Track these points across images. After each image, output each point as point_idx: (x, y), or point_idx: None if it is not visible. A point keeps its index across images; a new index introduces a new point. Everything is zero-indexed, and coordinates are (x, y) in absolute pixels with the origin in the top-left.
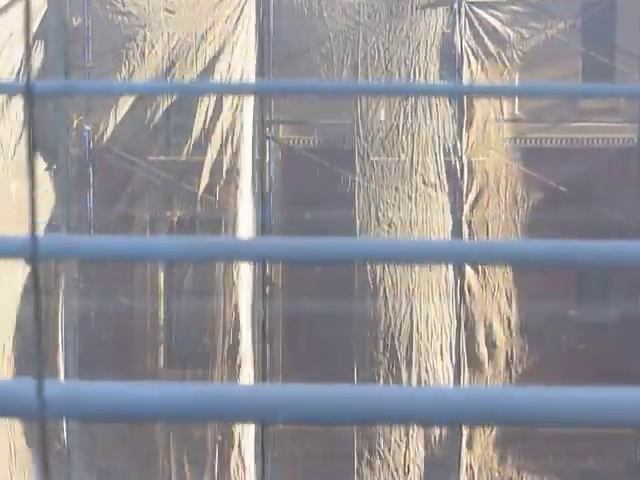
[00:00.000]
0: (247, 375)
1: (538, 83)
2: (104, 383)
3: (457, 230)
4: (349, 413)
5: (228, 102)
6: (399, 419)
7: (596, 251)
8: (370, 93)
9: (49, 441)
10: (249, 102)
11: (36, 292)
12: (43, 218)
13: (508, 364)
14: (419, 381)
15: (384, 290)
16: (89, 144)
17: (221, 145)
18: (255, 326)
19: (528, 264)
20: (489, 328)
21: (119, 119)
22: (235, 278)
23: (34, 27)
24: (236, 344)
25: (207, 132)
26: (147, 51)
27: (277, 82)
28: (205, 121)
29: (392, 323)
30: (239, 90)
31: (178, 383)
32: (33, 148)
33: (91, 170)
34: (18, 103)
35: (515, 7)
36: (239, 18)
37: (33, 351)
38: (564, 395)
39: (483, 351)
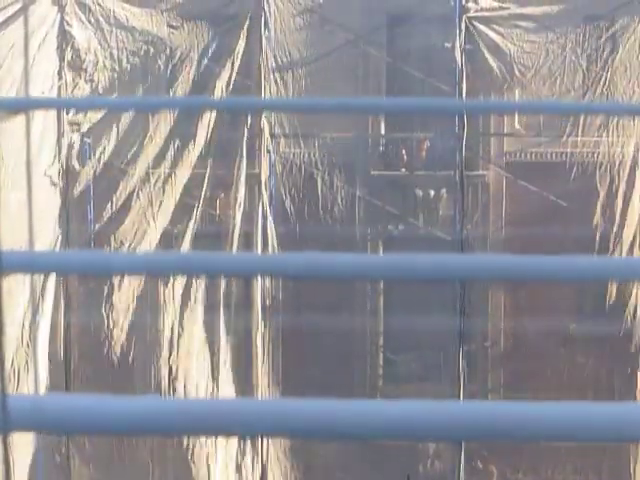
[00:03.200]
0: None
1: (536, 100)
2: (71, 396)
3: (457, 243)
4: (347, 428)
5: (229, 116)
6: (399, 434)
7: (597, 266)
8: (369, 111)
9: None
10: (249, 115)
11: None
12: (46, 232)
13: (507, 377)
14: (419, 391)
15: (384, 301)
16: (89, 157)
17: (221, 158)
18: (256, 340)
19: (531, 279)
20: (489, 341)
21: (120, 132)
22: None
23: (38, 39)
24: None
25: (208, 146)
26: (149, 66)
27: (277, 100)
28: (206, 135)
29: (392, 335)
30: (240, 107)
31: (141, 396)
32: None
33: (91, 183)
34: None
35: (515, 22)
36: (240, 33)
37: None
38: (564, 410)
39: (483, 364)
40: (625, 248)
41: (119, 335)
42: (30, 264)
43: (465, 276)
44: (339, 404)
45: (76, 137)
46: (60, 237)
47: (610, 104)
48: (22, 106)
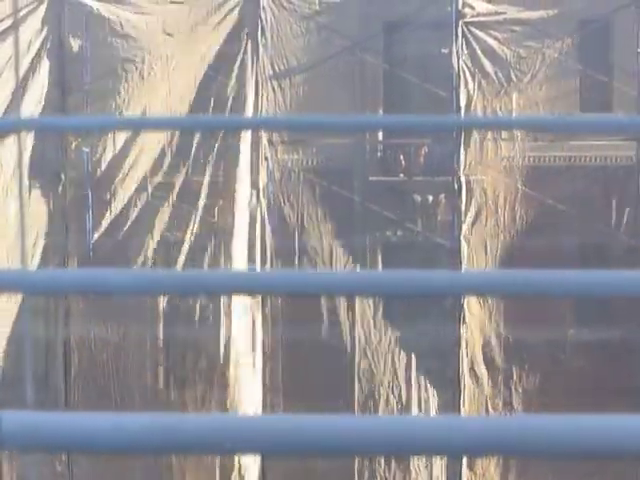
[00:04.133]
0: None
1: (531, 115)
2: (64, 414)
3: (456, 248)
4: (348, 444)
5: None
6: (397, 450)
7: (596, 280)
8: (368, 128)
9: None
10: None
11: None
12: (45, 240)
13: (507, 383)
14: (419, 401)
15: (383, 310)
16: (87, 166)
17: (219, 166)
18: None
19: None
20: (488, 347)
21: (118, 141)
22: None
23: (34, 49)
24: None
25: (205, 153)
26: (146, 73)
27: (274, 118)
28: (203, 142)
29: (392, 343)
30: (237, 126)
31: (135, 413)
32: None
33: (89, 192)
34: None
35: (512, 27)
36: (237, 40)
37: None
38: (567, 423)
39: (482, 370)
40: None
41: (111, 348)
42: (24, 283)
43: (462, 292)
44: (340, 420)
45: (74, 146)
46: (59, 246)
47: (610, 117)
48: (20, 127)
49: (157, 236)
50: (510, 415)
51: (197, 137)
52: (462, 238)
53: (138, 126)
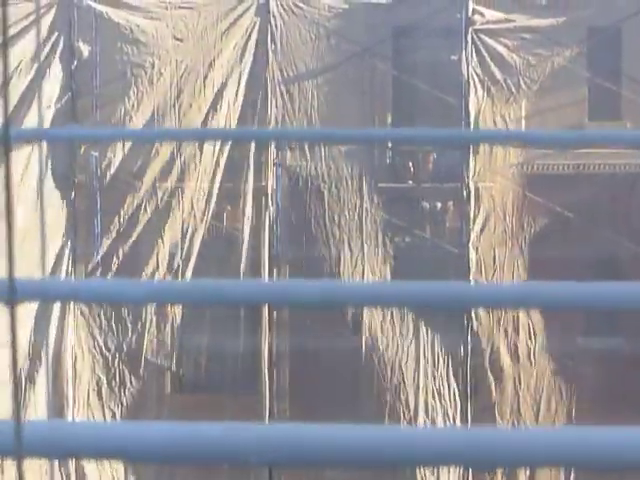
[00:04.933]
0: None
1: (545, 130)
2: (82, 422)
3: (464, 255)
4: (355, 455)
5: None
6: (405, 461)
7: (606, 292)
8: (377, 141)
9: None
10: (255, 129)
11: (13, 335)
12: (54, 245)
13: (515, 390)
14: (426, 407)
15: (391, 317)
16: (96, 170)
17: (228, 172)
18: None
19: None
20: (496, 354)
21: (127, 146)
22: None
23: (44, 53)
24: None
25: (216, 159)
26: (155, 78)
27: (286, 130)
28: (212, 149)
29: (399, 350)
30: (244, 137)
31: (153, 422)
32: (10, 194)
33: (98, 196)
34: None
35: (521, 34)
36: (246, 46)
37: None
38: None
39: (490, 377)
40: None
41: (120, 356)
42: (44, 292)
43: (470, 305)
44: (349, 429)
45: (84, 151)
46: (68, 251)
47: (618, 132)
48: (38, 137)
49: (166, 241)
50: (519, 426)
51: (206, 142)
52: (470, 245)
53: (148, 138)
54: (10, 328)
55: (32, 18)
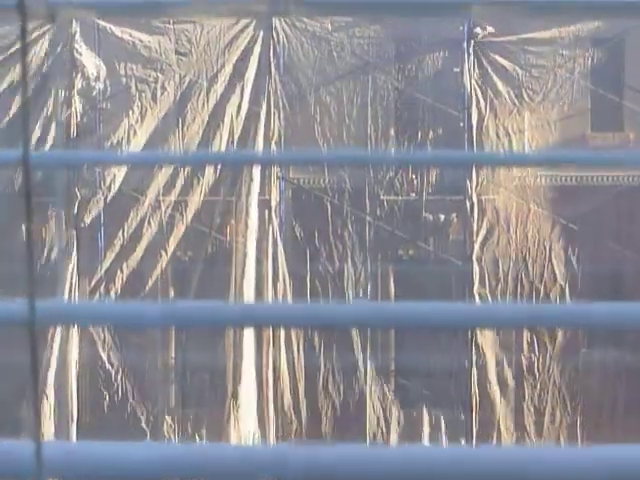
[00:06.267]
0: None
1: (547, 152)
2: (102, 444)
3: (467, 267)
4: (371, 474)
5: (239, 143)
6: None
7: (607, 313)
8: (380, 163)
9: None
10: (259, 142)
11: (33, 359)
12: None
13: (519, 403)
14: (431, 419)
15: (394, 330)
16: (99, 184)
17: (232, 185)
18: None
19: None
20: (500, 367)
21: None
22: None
23: (45, 69)
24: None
25: (218, 172)
26: (159, 93)
27: (288, 154)
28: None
29: (403, 363)
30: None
31: (178, 443)
32: (30, 220)
33: (102, 210)
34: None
35: (524, 46)
36: (249, 60)
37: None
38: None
39: (494, 390)
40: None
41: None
42: (67, 314)
43: (475, 325)
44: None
45: (87, 165)
46: (71, 265)
47: (625, 155)
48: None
49: (170, 255)
50: (523, 442)
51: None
52: (474, 257)
53: (149, 161)
54: (31, 351)
55: (36, 34)
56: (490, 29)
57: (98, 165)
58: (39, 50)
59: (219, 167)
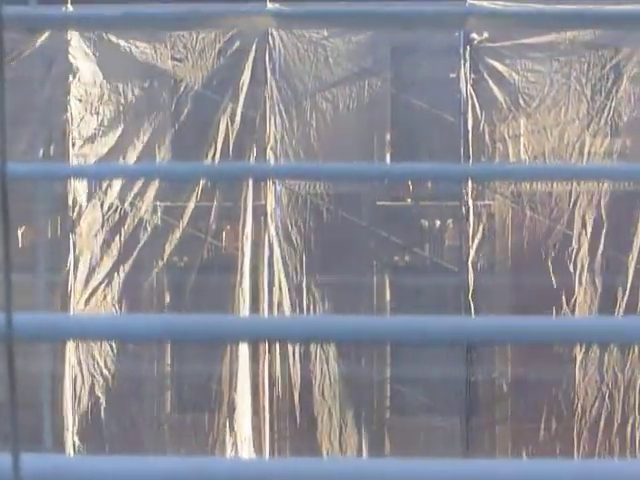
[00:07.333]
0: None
1: (543, 165)
2: (82, 458)
3: (463, 273)
4: None
5: (235, 150)
6: None
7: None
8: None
9: None
10: (254, 147)
11: (10, 373)
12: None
13: (516, 410)
14: (426, 429)
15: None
16: (95, 191)
17: (227, 190)
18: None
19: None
20: (498, 373)
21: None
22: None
23: (40, 74)
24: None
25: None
26: (155, 99)
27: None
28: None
29: (398, 366)
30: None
31: (158, 457)
32: (6, 230)
33: (98, 217)
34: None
35: (520, 51)
36: (244, 65)
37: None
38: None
39: (491, 397)
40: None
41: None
42: (46, 328)
43: (475, 339)
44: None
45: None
46: (67, 272)
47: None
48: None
49: (166, 260)
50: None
51: (205, 162)
52: (470, 263)
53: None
54: (8, 366)
55: (32, 40)
56: (486, 34)
57: (81, 178)
58: (34, 55)
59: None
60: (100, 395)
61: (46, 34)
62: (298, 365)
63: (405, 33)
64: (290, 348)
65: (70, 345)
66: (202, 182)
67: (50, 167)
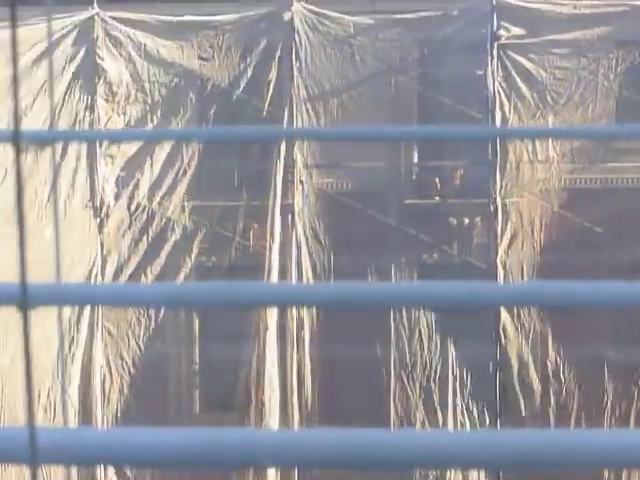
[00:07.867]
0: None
1: (570, 126)
2: (97, 429)
3: (492, 271)
4: (383, 458)
5: (262, 147)
6: (435, 462)
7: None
8: (401, 138)
9: None
10: (282, 146)
11: (26, 340)
12: (83, 264)
13: (544, 406)
14: (455, 423)
15: (419, 333)
16: (124, 190)
17: (255, 190)
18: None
19: (571, 305)
20: (525, 370)
21: (154, 165)
22: (265, 323)
23: (69, 73)
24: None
25: (241, 177)
26: (182, 98)
27: (307, 129)
28: (239, 167)
29: (428, 365)
30: (269, 136)
31: (168, 428)
32: (21, 196)
33: (126, 216)
34: (49, 153)
35: (547, 48)
36: (271, 63)
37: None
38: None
39: (518, 393)
40: None
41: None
42: (57, 296)
43: (497, 303)
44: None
45: (110, 170)
46: (96, 270)
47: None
48: (51, 138)
49: (194, 259)
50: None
51: (233, 161)
52: (498, 261)
53: (167, 137)
54: (24, 332)
55: (57, 36)
56: (514, 31)
57: (93, 141)
58: (61, 55)
59: (242, 170)
60: (127, 394)
61: (73, 34)
62: (327, 365)
63: (432, 30)
64: (317, 349)
65: (99, 344)
66: (229, 181)
67: (59, 134)
